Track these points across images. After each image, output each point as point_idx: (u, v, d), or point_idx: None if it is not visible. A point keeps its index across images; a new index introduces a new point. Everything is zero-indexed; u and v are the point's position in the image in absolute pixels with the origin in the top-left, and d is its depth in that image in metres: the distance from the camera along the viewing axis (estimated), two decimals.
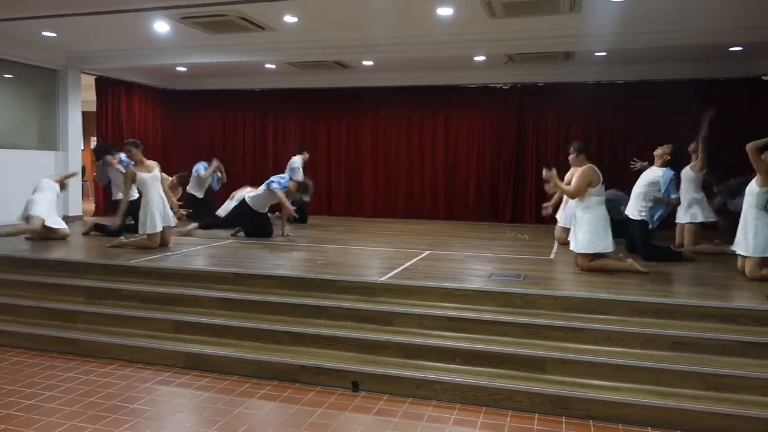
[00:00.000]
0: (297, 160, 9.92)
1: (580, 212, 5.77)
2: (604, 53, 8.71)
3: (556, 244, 7.61)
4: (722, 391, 3.90)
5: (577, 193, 5.72)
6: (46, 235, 7.42)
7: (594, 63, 9.44)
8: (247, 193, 8.11)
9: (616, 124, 9.97)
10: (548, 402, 3.98)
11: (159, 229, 6.85)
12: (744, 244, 5.49)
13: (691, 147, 6.99)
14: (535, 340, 4.45)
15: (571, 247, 5.96)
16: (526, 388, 4.04)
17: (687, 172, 6.99)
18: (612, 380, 4.07)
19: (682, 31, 7.29)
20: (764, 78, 8.89)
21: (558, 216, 7.71)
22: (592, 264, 5.70)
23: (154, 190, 6.87)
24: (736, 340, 4.16)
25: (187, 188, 9.83)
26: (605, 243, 5.66)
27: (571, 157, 6.37)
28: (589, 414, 3.90)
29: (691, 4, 6.53)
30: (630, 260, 5.75)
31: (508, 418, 3.90)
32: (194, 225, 7.74)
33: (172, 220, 7.16)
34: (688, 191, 6.94)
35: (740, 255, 5.58)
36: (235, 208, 7.96)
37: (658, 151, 6.45)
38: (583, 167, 5.85)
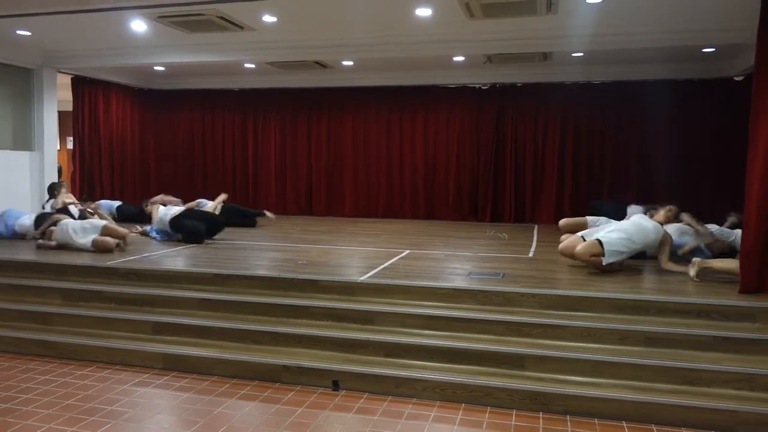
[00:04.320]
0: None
1: (633, 228, 5.73)
2: (581, 54, 8.83)
3: (534, 243, 7.69)
4: (696, 385, 3.99)
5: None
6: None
7: (571, 63, 9.55)
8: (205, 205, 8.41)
9: (593, 123, 10.08)
10: (527, 398, 4.03)
11: (89, 237, 6.76)
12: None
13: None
14: (515, 337, 4.51)
15: (596, 235, 5.77)
16: (506, 385, 4.09)
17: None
18: (589, 376, 4.14)
19: (656, 32, 7.41)
20: (736, 78, 9.07)
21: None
22: (591, 258, 5.60)
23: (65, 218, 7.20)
24: (710, 335, 4.25)
25: None
26: (615, 259, 5.61)
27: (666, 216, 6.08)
28: (566, 409, 3.96)
29: (664, 6, 6.65)
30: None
31: (487, 415, 3.95)
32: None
33: (100, 220, 7.37)
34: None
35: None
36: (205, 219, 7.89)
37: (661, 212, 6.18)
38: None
